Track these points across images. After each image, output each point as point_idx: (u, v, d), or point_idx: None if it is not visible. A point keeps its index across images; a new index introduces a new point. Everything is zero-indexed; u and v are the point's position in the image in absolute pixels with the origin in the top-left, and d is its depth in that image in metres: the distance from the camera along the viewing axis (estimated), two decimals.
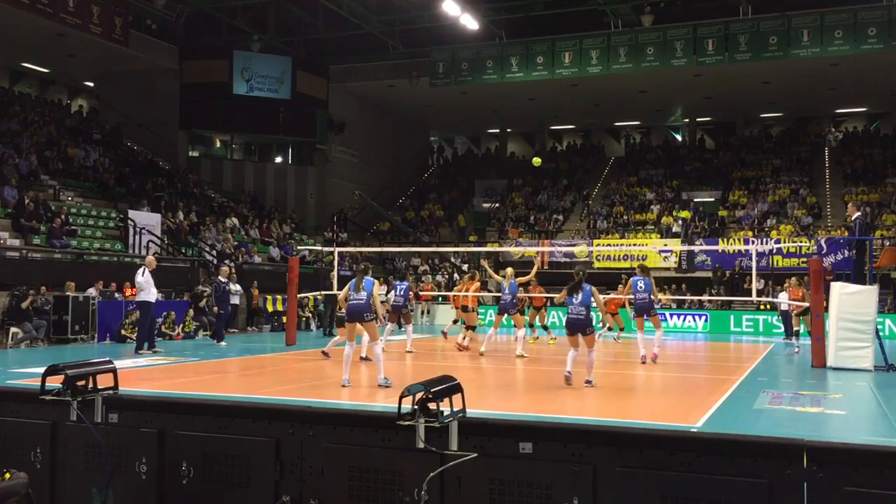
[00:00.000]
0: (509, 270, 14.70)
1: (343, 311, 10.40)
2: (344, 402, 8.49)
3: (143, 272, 14.40)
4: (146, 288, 14.35)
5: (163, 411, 7.00)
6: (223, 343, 16.47)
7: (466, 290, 16.24)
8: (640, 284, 13.09)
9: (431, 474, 5.75)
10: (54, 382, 6.56)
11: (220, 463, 6.59)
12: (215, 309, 17.61)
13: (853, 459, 5.25)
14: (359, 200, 33.07)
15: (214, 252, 23.95)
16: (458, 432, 5.83)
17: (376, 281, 10.32)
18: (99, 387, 6.83)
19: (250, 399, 8.24)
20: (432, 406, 5.56)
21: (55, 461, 7.10)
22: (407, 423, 5.56)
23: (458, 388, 5.87)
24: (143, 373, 11.03)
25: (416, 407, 5.54)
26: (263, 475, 6.45)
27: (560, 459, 5.72)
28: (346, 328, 10.05)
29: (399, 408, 5.53)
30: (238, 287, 21.11)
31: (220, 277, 17.65)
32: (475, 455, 5.75)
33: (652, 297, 13.16)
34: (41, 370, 6.70)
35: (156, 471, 6.73)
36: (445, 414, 5.66)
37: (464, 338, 15.54)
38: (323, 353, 13.47)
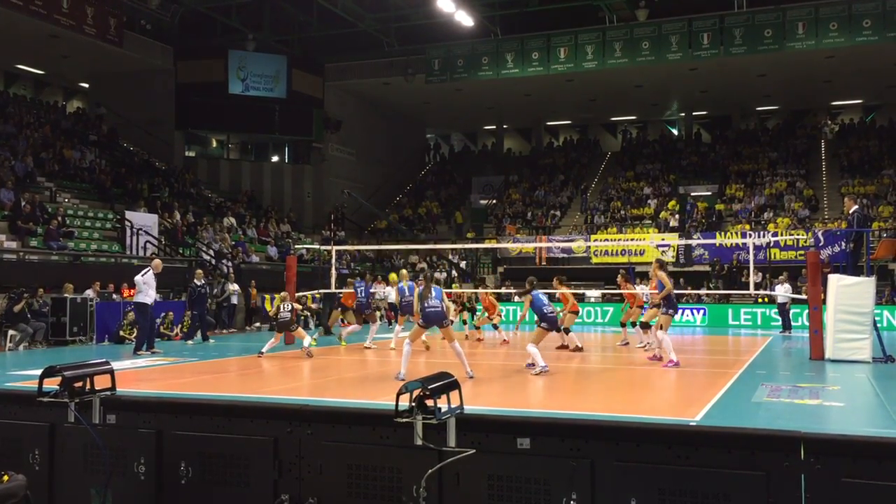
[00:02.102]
0: (403, 272, 15.28)
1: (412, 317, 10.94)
2: (342, 399, 8.48)
3: (146, 273, 14.34)
4: (144, 290, 14.27)
5: (160, 412, 6.99)
6: (190, 342, 16.87)
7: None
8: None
9: (430, 471, 5.75)
10: (52, 384, 6.54)
11: (218, 462, 6.59)
12: (192, 312, 17.69)
13: (850, 451, 5.26)
14: (348, 199, 33.04)
15: (212, 252, 23.93)
16: (456, 429, 5.83)
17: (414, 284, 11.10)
18: (97, 388, 6.82)
19: (248, 398, 8.23)
20: (430, 403, 5.56)
21: (53, 463, 7.10)
22: (405, 420, 5.55)
23: (455, 385, 5.87)
24: (140, 373, 11.02)
25: (413, 404, 5.54)
26: (262, 474, 6.45)
27: (558, 454, 5.73)
28: (418, 332, 10.60)
29: (396, 405, 5.53)
30: (236, 286, 21.11)
31: (194, 280, 17.68)
32: (473, 451, 5.75)
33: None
34: (39, 372, 6.69)
35: (154, 471, 6.73)
36: (443, 410, 5.66)
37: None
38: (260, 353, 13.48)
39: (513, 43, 30.74)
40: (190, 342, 16.92)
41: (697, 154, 36.65)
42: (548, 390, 9.52)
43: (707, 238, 27.79)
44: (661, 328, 12.24)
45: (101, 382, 6.86)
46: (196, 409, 7.01)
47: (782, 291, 19.96)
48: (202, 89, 30.92)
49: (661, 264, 12.85)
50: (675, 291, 13.59)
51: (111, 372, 6.93)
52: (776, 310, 21.62)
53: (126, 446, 6.83)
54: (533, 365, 10.66)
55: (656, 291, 12.68)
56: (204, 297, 17.77)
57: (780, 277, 21.51)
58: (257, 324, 22.07)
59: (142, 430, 6.87)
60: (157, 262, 15.12)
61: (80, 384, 6.67)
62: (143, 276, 14.32)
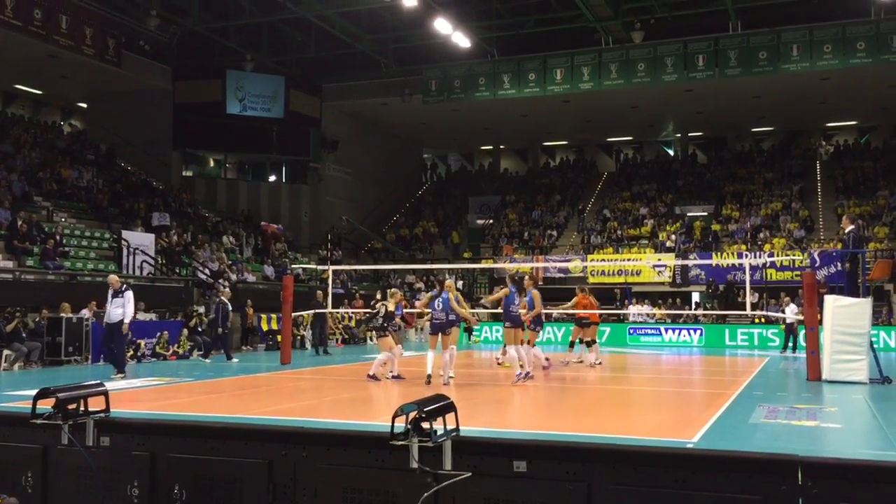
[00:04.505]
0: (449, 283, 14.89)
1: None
2: (337, 421, 8.43)
3: (109, 292, 13.79)
4: (108, 310, 13.67)
5: (154, 434, 6.95)
6: (208, 360, 17.04)
7: (585, 307, 15.93)
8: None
9: (425, 494, 5.70)
10: (46, 405, 6.50)
11: (212, 485, 6.53)
12: (219, 330, 17.55)
13: (848, 474, 5.24)
14: (345, 226, 33.11)
15: (208, 271, 23.88)
16: (452, 451, 5.79)
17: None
18: (90, 409, 6.77)
19: (243, 420, 8.18)
20: (425, 425, 5.52)
21: (46, 485, 7.04)
22: (400, 443, 5.51)
23: (451, 407, 5.84)
24: (136, 394, 10.94)
25: (409, 426, 5.50)
26: (256, 497, 6.40)
27: (555, 478, 5.69)
28: (432, 339, 11.76)
29: (392, 428, 5.49)
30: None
31: (222, 297, 17.75)
32: (469, 474, 5.71)
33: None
34: (33, 393, 6.64)
35: (148, 494, 6.67)
36: (439, 433, 5.62)
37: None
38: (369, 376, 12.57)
39: (509, 64, 30.92)
40: (207, 360, 17.08)
41: (693, 174, 36.80)
42: (544, 411, 9.48)
43: (703, 258, 27.83)
44: (523, 343, 11.96)
45: (96, 404, 6.81)
46: (190, 431, 6.97)
47: (790, 312, 19.88)
48: (200, 109, 31.01)
49: (536, 281, 12.76)
50: (672, 312, 13.58)
51: (105, 393, 6.88)
52: (774, 330, 21.57)
53: (119, 469, 6.78)
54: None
55: (525, 311, 12.02)
56: (227, 316, 17.82)
57: (786, 298, 21.49)
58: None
59: (135, 452, 6.82)
60: (110, 277, 14.53)
61: (73, 406, 6.62)
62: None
